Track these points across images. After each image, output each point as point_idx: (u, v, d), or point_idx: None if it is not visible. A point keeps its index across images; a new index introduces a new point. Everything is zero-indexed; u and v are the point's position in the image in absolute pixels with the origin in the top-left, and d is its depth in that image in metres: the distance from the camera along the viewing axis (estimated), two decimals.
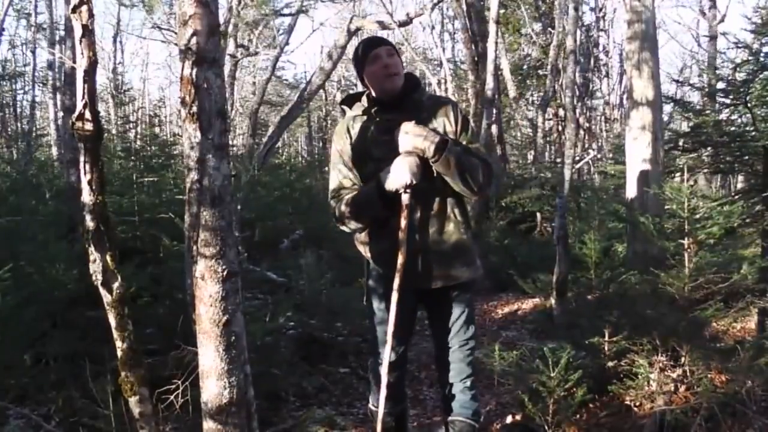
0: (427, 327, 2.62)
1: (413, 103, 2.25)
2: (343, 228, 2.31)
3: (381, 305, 2.35)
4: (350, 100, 2.37)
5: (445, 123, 2.25)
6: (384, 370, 2.20)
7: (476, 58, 11.13)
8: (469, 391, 2.37)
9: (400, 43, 16.62)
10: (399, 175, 2.12)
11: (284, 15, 12.93)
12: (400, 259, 2.15)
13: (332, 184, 2.31)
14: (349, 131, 2.28)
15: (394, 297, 2.16)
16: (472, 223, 9.36)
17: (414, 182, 2.12)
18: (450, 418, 2.39)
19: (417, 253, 2.21)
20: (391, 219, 2.20)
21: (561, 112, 12.44)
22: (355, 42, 12.60)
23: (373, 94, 2.28)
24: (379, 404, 2.29)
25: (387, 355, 2.21)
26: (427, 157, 2.12)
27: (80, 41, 1.80)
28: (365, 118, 2.27)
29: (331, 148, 2.36)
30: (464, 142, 2.24)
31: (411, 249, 2.17)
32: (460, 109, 2.30)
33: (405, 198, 2.14)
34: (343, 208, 2.24)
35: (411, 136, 2.12)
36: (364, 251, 2.36)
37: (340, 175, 2.29)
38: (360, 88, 2.58)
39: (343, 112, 2.40)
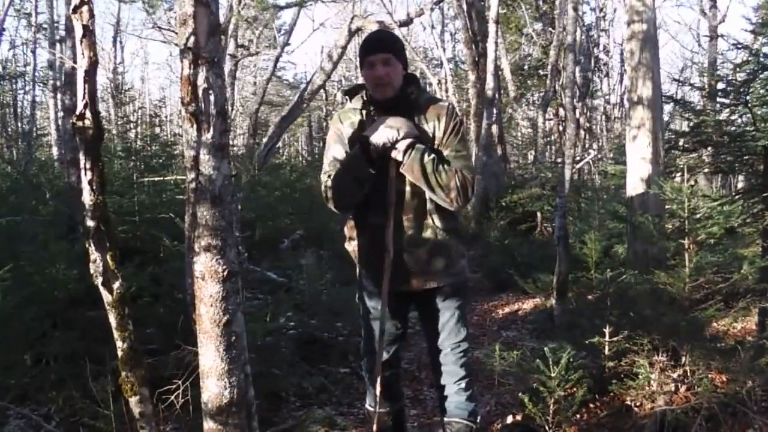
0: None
1: (408, 104, 2.25)
2: (331, 206, 2.32)
3: (370, 303, 2.38)
4: (353, 92, 2.40)
5: (435, 126, 2.24)
6: (377, 369, 2.22)
7: (477, 58, 11.13)
8: (464, 392, 2.37)
9: None
10: (385, 130, 2.14)
11: (283, 7, 12.95)
12: (388, 258, 2.18)
13: (327, 162, 2.33)
14: (341, 120, 2.33)
15: (384, 289, 2.19)
16: (473, 223, 9.22)
17: (401, 136, 2.14)
18: (446, 420, 2.39)
19: (393, 255, 2.22)
20: (373, 197, 2.21)
21: (561, 112, 12.43)
22: (355, 42, 12.64)
23: (370, 91, 2.30)
24: (374, 402, 2.30)
25: (379, 353, 2.23)
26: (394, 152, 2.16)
27: (81, 41, 1.80)
28: (361, 112, 2.30)
29: (328, 133, 2.39)
30: (449, 149, 2.22)
31: (389, 251, 2.20)
32: (456, 115, 2.28)
33: (395, 153, 2.16)
34: (330, 180, 2.27)
35: (383, 127, 2.15)
36: (351, 248, 2.40)
37: (336, 154, 2.30)
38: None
39: (343, 103, 2.44)
